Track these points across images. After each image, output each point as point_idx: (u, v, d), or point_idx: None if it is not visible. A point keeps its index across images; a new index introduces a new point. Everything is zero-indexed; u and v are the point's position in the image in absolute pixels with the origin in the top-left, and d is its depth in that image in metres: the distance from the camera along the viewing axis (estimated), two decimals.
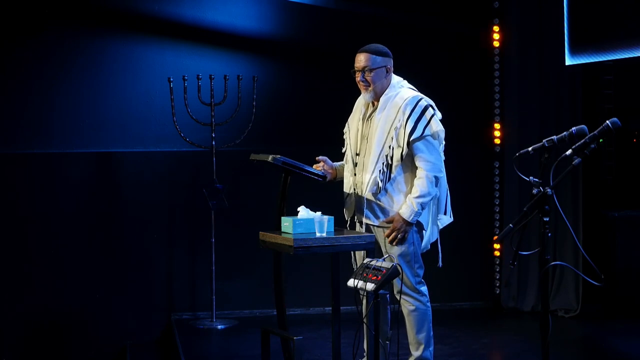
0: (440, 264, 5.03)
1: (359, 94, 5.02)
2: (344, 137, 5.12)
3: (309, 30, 7.43)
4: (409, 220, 4.79)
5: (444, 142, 4.94)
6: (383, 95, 4.90)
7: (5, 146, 6.98)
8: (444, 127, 4.90)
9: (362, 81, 4.89)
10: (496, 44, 7.32)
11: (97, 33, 7.12)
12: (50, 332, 6.99)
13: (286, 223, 4.72)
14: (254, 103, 7.00)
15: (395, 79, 4.97)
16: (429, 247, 5.04)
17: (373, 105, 4.96)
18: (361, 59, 4.89)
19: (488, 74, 7.39)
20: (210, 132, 6.90)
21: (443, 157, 4.95)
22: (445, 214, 5.02)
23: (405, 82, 5.01)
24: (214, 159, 6.88)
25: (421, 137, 4.79)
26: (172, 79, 6.84)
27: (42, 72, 7.03)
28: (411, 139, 4.78)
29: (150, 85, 7.15)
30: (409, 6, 7.45)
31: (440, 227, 5.05)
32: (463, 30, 7.51)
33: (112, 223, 7.11)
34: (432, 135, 4.81)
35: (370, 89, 4.89)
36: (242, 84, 6.98)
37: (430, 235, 5.00)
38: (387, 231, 4.85)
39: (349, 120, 5.13)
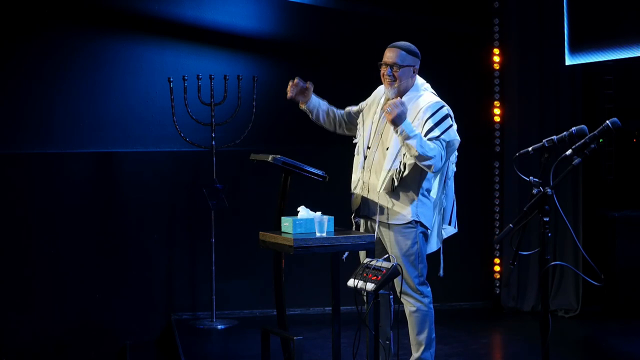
0: (441, 273, 5.03)
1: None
2: (357, 121, 5.05)
3: (309, 30, 7.43)
4: (397, 122, 4.58)
5: (456, 153, 4.94)
6: (405, 95, 4.84)
7: (5, 146, 6.98)
8: None
9: (389, 76, 4.83)
10: (496, 43, 7.33)
11: (97, 33, 7.12)
12: (50, 332, 6.98)
13: (286, 223, 4.72)
14: (254, 103, 7.00)
15: (420, 80, 4.93)
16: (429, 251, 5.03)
17: None
18: (391, 55, 4.84)
19: (488, 74, 7.39)
20: (210, 132, 6.90)
21: (454, 169, 4.97)
22: (450, 224, 4.99)
23: (429, 85, 4.96)
24: (214, 159, 6.88)
25: (437, 138, 4.74)
26: (172, 79, 6.84)
27: (42, 72, 7.03)
28: (428, 137, 4.73)
29: (150, 85, 7.15)
30: (409, 6, 7.45)
31: (444, 236, 5.02)
32: (463, 30, 7.50)
33: (112, 223, 7.11)
34: (448, 142, 4.78)
35: (395, 84, 4.83)
36: (242, 84, 6.98)
37: (433, 243, 4.98)
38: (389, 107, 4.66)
39: (364, 109, 5.06)
